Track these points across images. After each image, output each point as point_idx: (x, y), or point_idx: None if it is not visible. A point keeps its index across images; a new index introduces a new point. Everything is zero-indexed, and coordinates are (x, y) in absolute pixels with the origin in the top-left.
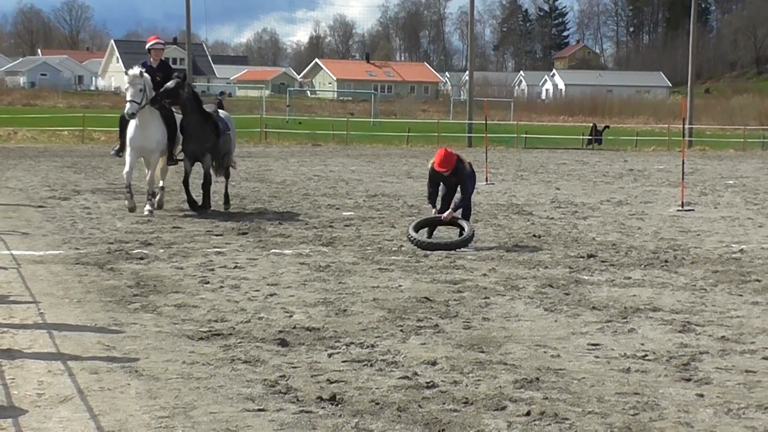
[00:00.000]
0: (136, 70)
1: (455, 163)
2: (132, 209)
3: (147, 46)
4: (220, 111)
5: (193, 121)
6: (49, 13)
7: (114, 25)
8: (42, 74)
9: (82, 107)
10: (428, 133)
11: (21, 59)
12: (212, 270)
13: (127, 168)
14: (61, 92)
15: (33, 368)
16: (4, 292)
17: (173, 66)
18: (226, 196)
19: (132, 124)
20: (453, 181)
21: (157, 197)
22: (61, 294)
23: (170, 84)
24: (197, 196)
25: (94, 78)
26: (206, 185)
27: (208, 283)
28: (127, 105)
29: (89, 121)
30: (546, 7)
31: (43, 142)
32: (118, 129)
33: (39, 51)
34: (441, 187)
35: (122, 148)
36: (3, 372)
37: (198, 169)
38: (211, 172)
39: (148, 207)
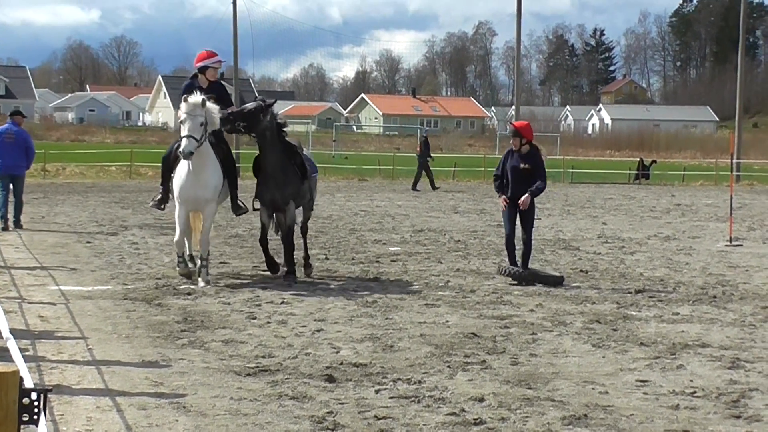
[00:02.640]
0: (197, 97)
1: (532, 136)
2: (187, 276)
3: (199, 64)
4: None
5: (273, 160)
6: (98, 49)
7: (161, 60)
8: (90, 110)
9: (130, 142)
10: (474, 168)
11: (70, 95)
12: (259, 305)
13: (178, 233)
14: (108, 128)
15: (81, 404)
16: (53, 327)
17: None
18: (307, 257)
19: (182, 169)
20: (523, 170)
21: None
22: (109, 329)
23: (251, 105)
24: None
25: (141, 113)
26: (290, 243)
27: (255, 318)
28: (183, 142)
29: (137, 156)
30: (592, 42)
31: (91, 178)
32: (160, 172)
33: (87, 87)
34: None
35: (165, 199)
36: (52, 408)
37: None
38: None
39: (202, 280)
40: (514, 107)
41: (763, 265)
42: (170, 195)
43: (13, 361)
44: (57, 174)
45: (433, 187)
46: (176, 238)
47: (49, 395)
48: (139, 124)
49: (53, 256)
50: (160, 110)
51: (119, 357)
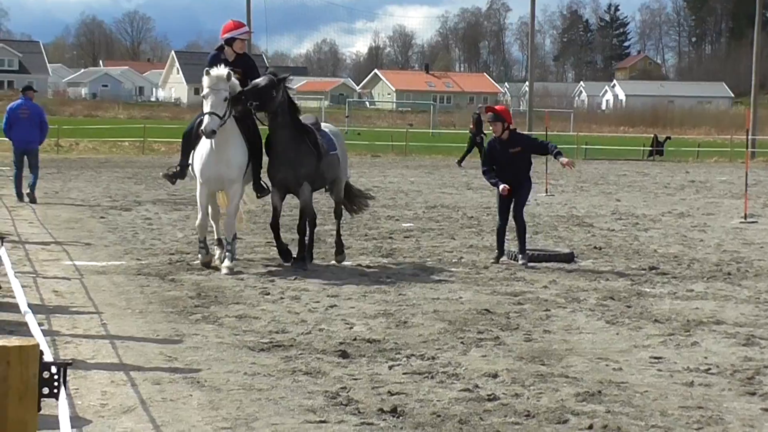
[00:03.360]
0: (221, 70)
1: (509, 117)
2: (207, 264)
3: (225, 35)
4: (323, 125)
5: (284, 137)
6: (111, 24)
7: (174, 36)
8: (103, 85)
9: (143, 118)
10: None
11: (83, 70)
12: (272, 281)
13: (200, 215)
14: (122, 103)
15: (96, 378)
16: (68, 302)
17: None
18: (338, 242)
19: (203, 146)
20: (515, 153)
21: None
22: (123, 305)
23: (261, 81)
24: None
25: (154, 89)
26: (304, 226)
27: (268, 294)
28: (206, 119)
29: (150, 132)
30: (607, 17)
31: (104, 153)
32: (180, 145)
33: (101, 62)
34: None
35: (180, 174)
36: (67, 382)
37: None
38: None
39: (227, 265)
40: (528, 83)
41: None
42: (190, 171)
43: (31, 335)
44: (70, 149)
45: (460, 162)
46: (198, 221)
47: (70, 368)
48: (152, 99)
49: (67, 231)
50: (173, 86)
51: (133, 332)
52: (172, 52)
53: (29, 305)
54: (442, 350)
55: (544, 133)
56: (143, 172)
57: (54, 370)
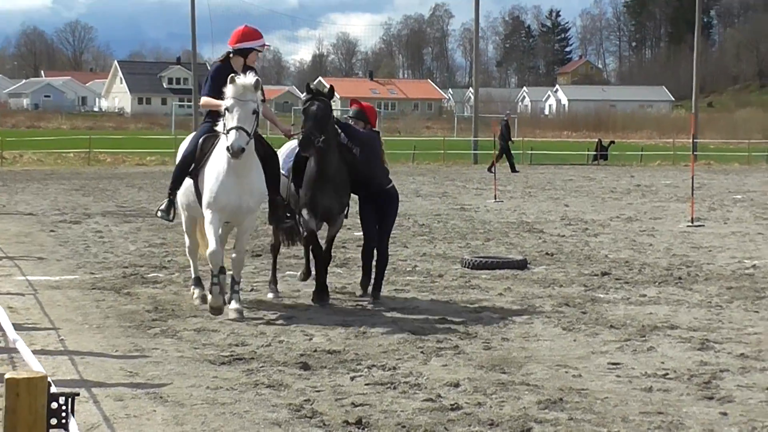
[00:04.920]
0: (249, 78)
1: (373, 118)
2: (220, 310)
3: (239, 45)
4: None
5: (333, 163)
6: (52, 34)
7: (117, 45)
8: (45, 96)
9: (87, 128)
10: (434, 151)
11: (24, 81)
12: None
13: (213, 243)
14: (65, 114)
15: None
16: (23, 318)
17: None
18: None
19: (217, 169)
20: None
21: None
22: (80, 320)
23: (320, 107)
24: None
25: (97, 99)
26: (327, 258)
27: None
28: (232, 134)
29: (95, 142)
30: (548, 23)
31: (49, 165)
32: (175, 170)
33: (42, 73)
34: None
35: (171, 203)
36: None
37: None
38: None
39: (235, 306)
40: (471, 89)
41: (726, 246)
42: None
43: (25, 362)
44: (14, 161)
45: (513, 170)
46: (209, 250)
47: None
48: (96, 109)
49: (17, 245)
50: (116, 95)
51: (92, 347)
52: (115, 62)
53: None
54: (403, 360)
55: (490, 138)
56: (90, 184)
57: (62, 400)
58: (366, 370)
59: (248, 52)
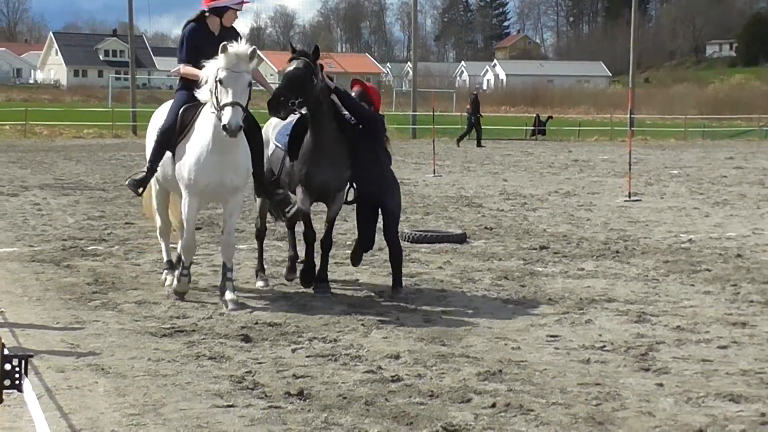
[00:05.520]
0: (242, 46)
1: (377, 101)
2: (184, 293)
3: (215, 4)
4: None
5: (330, 133)
6: None
7: (52, 17)
8: None
9: (22, 101)
10: None
11: None
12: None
13: (187, 234)
14: (0, 86)
15: None
16: None
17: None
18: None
19: (199, 147)
20: None
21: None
22: (20, 292)
23: (297, 67)
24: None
25: (32, 71)
26: (330, 240)
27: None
28: (227, 112)
29: (31, 115)
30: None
31: None
32: (151, 143)
33: None
34: None
35: (146, 180)
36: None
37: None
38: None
39: (230, 296)
40: (410, 63)
41: (662, 220)
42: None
43: None
44: None
45: (479, 144)
46: (184, 241)
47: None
48: (31, 81)
49: None
50: (51, 67)
51: (32, 319)
52: (50, 33)
53: None
54: (344, 332)
55: (429, 113)
56: (27, 157)
57: (15, 362)
58: (307, 342)
59: (224, 11)
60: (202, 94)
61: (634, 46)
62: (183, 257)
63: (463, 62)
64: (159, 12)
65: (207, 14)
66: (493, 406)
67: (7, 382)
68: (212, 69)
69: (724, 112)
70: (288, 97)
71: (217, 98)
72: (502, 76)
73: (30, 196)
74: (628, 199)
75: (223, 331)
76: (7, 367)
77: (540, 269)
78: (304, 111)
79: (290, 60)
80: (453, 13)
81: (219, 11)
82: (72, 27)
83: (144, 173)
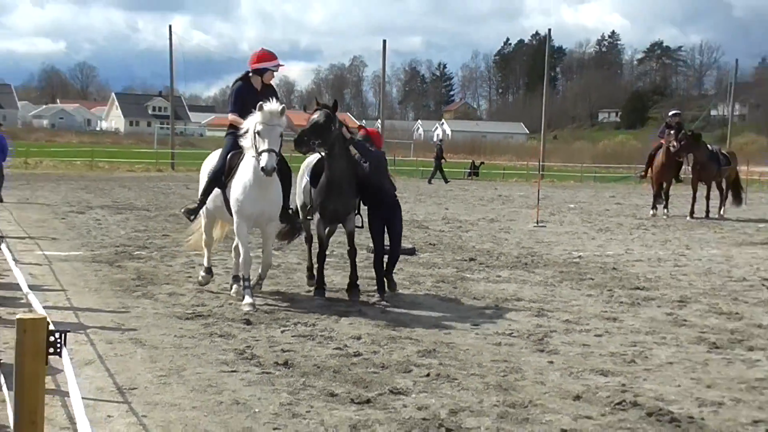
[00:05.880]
0: (275, 105)
1: (378, 142)
2: (246, 300)
3: (258, 65)
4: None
5: (340, 168)
6: (66, 72)
7: (114, 81)
8: (60, 118)
9: (90, 143)
10: None
11: (44, 107)
12: (193, 267)
13: (243, 252)
14: (74, 132)
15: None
16: (41, 282)
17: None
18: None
19: (244, 183)
20: None
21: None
22: (82, 284)
23: (320, 117)
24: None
25: (99, 121)
26: (354, 253)
27: (191, 277)
28: (265, 157)
29: (96, 153)
30: (438, 73)
31: (61, 170)
32: (204, 182)
33: (57, 100)
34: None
35: (197, 211)
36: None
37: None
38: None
39: (249, 300)
40: (379, 120)
41: (560, 241)
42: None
43: (33, 309)
44: (36, 166)
45: (445, 181)
46: (242, 257)
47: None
48: (97, 129)
49: (37, 228)
50: (113, 119)
51: (90, 305)
52: (113, 94)
53: (15, 285)
54: (320, 319)
55: (393, 158)
56: (92, 185)
57: (57, 335)
58: (292, 325)
59: (264, 72)
60: (245, 141)
61: (545, 111)
62: (242, 270)
63: (419, 120)
64: (193, 79)
65: (251, 74)
66: (428, 375)
67: (51, 350)
68: (252, 122)
69: (611, 163)
70: (310, 138)
71: (256, 146)
72: (448, 131)
73: (93, 213)
74: (536, 225)
75: (231, 316)
76: (51, 339)
77: (468, 275)
78: (323, 152)
79: (315, 110)
80: (412, 84)
81: (261, 72)
82: (128, 89)
83: (195, 205)
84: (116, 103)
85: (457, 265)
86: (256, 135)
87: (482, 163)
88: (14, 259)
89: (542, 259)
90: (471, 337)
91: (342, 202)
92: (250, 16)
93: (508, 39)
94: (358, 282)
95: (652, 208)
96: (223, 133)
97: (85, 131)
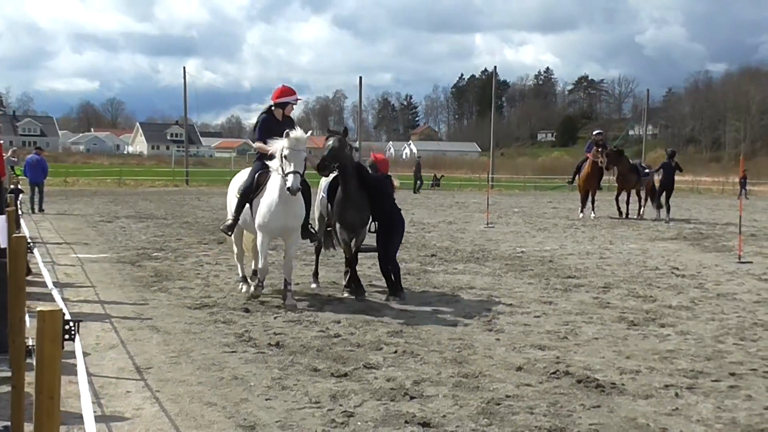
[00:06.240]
0: (300, 132)
1: (384, 167)
2: (258, 297)
3: (280, 100)
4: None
5: (354, 186)
6: (99, 106)
7: (138, 113)
8: (94, 144)
9: (119, 164)
10: None
11: (81, 135)
12: (202, 266)
13: (263, 261)
14: (105, 155)
15: (92, 327)
16: (74, 280)
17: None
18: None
19: (270, 200)
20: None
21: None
22: (108, 281)
23: (334, 143)
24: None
25: (126, 146)
26: (354, 264)
27: (199, 274)
28: (291, 178)
29: (124, 173)
30: (405, 103)
31: (95, 187)
32: (232, 197)
33: (92, 129)
34: None
35: (233, 226)
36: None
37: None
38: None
39: (291, 301)
40: (357, 142)
41: (506, 239)
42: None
43: (55, 303)
44: (73, 184)
45: (416, 192)
46: (260, 265)
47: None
48: (125, 153)
49: (72, 235)
50: (138, 144)
51: (115, 298)
52: (137, 123)
53: (53, 283)
54: (306, 307)
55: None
56: (120, 198)
57: (71, 324)
58: (283, 312)
59: (286, 105)
60: (273, 164)
61: (493, 133)
62: (259, 275)
63: (390, 142)
64: (204, 110)
65: (273, 107)
66: (395, 352)
67: (66, 337)
68: (279, 147)
69: (548, 174)
70: (330, 162)
71: (283, 168)
72: (414, 150)
73: (119, 222)
74: (486, 226)
75: (232, 306)
76: (66, 327)
77: (430, 269)
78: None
79: (328, 137)
80: (384, 112)
81: (283, 105)
82: (151, 119)
83: (231, 221)
84: (140, 131)
85: (420, 260)
86: (284, 158)
87: (442, 176)
88: (49, 261)
89: (491, 254)
90: (431, 320)
91: (358, 214)
92: (251, 58)
93: (462, 74)
94: (361, 283)
95: (581, 211)
96: (228, 154)
97: (114, 154)
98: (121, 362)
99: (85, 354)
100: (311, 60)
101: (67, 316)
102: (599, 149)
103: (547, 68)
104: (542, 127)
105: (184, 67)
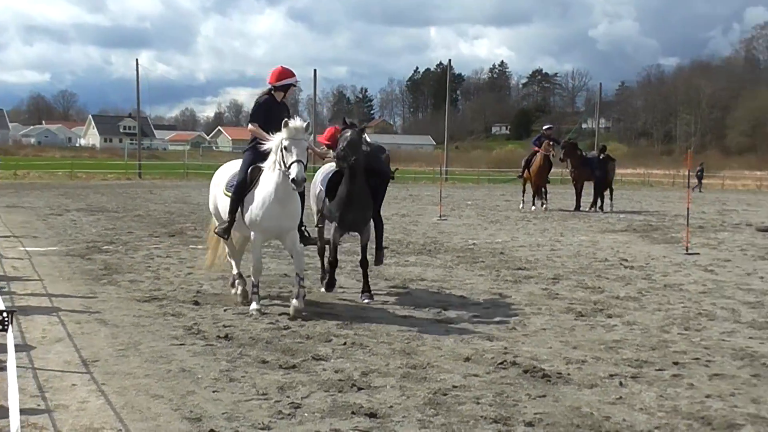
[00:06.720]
0: (299, 122)
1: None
2: (248, 300)
3: (284, 81)
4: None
5: (360, 182)
6: (50, 98)
7: (91, 105)
8: (45, 136)
9: (71, 157)
10: None
11: (32, 127)
12: (152, 259)
13: (256, 261)
14: (57, 148)
15: (39, 320)
16: (21, 273)
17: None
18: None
19: (264, 198)
20: None
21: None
22: (57, 274)
23: (352, 135)
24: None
25: (78, 139)
26: (366, 264)
27: (150, 267)
28: (294, 168)
29: (75, 165)
30: (360, 96)
31: (45, 179)
32: (222, 198)
33: (43, 122)
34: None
35: (230, 228)
36: (20, 323)
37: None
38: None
39: (297, 304)
40: (312, 137)
41: (458, 231)
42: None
43: None
44: (24, 177)
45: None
46: (254, 265)
47: (16, 314)
48: (77, 145)
49: (21, 228)
50: (90, 136)
51: (63, 291)
52: (90, 116)
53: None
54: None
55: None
56: (71, 191)
57: (5, 314)
58: (233, 305)
59: (287, 88)
60: (271, 158)
61: (447, 126)
62: (253, 277)
63: None
64: (157, 103)
65: (273, 90)
66: (344, 343)
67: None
68: (277, 139)
69: (502, 167)
70: (351, 154)
71: (283, 160)
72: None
73: (70, 215)
74: (439, 218)
75: (182, 298)
76: (0, 318)
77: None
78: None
79: (344, 129)
80: (340, 105)
81: (284, 87)
82: (103, 111)
83: (227, 223)
84: (93, 123)
85: (372, 252)
86: (283, 150)
87: (397, 169)
88: None
89: (443, 246)
90: (384, 312)
91: (361, 213)
92: (205, 51)
93: (417, 68)
94: (371, 289)
95: (533, 204)
96: (181, 147)
97: (66, 147)
98: (67, 355)
99: (30, 347)
100: (266, 52)
101: (1, 306)
102: (551, 143)
103: (502, 62)
104: (497, 121)
105: (137, 59)
